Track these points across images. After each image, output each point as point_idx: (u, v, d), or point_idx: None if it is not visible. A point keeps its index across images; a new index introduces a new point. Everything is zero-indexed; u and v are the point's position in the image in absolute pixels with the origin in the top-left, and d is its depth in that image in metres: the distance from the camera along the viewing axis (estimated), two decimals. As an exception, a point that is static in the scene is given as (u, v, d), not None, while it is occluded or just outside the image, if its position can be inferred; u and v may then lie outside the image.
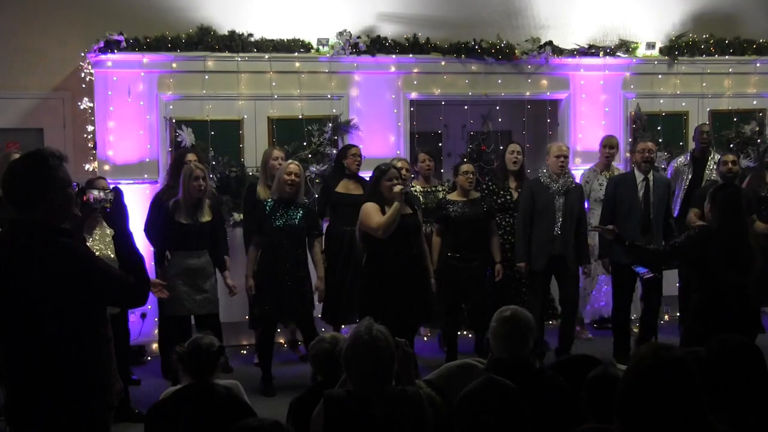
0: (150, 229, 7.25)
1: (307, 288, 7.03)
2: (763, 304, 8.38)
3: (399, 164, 7.40)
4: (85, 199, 3.62)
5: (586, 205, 8.21)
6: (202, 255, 6.95)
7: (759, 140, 9.50)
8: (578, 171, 8.64)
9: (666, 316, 8.89)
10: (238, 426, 2.99)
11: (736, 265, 5.76)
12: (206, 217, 6.95)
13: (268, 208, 6.94)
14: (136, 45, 8.11)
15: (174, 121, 8.27)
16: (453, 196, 7.60)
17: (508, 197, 7.91)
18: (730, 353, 3.61)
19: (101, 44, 8.01)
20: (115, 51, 8.03)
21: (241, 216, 8.04)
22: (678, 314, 8.57)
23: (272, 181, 7.34)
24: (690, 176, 8.52)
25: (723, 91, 9.61)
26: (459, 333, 7.80)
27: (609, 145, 8.51)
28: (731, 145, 9.28)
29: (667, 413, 2.59)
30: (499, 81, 9.00)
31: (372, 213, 6.62)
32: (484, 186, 7.99)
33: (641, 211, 7.46)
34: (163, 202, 7.11)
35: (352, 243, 7.39)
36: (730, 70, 9.58)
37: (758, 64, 9.64)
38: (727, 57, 9.56)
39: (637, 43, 9.36)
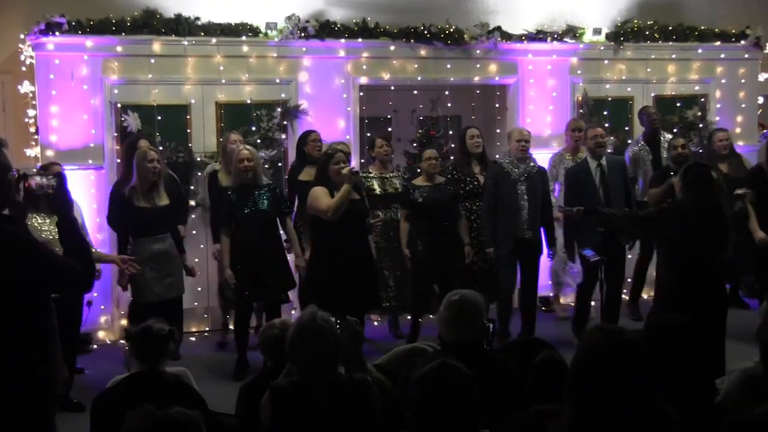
0: (113, 220, 7.21)
1: (288, 268, 7.09)
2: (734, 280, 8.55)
3: (340, 148, 7.43)
4: (27, 185, 3.55)
5: (556, 188, 8.29)
6: (165, 239, 6.95)
7: (701, 125, 9.66)
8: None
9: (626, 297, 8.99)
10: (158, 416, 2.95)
11: (712, 242, 5.82)
12: (164, 201, 6.93)
13: (233, 197, 6.91)
14: (78, 27, 7.95)
15: (119, 105, 8.14)
16: (418, 181, 7.64)
17: (476, 183, 7.94)
18: (668, 332, 3.67)
19: (42, 26, 7.83)
20: (57, 33, 7.86)
21: (191, 202, 8.04)
22: (628, 297, 8.69)
23: (228, 165, 7.35)
24: (650, 159, 8.61)
25: (667, 76, 9.75)
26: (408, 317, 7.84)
27: (577, 128, 8.53)
28: (675, 130, 9.41)
29: (618, 395, 2.62)
30: (449, 66, 9.01)
31: (321, 196, 6.62)
32: (450, 175, 8.01)
33: (601, 197, 7.51)
34: (121, 190, 7.04)
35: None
36: (674, 56, 9.72)
37: (700, 51, 9.79)
38: (670, 43, 9.69)
39: (583, 28, 9.43)
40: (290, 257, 7.30)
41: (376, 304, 7.26)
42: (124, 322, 7.79)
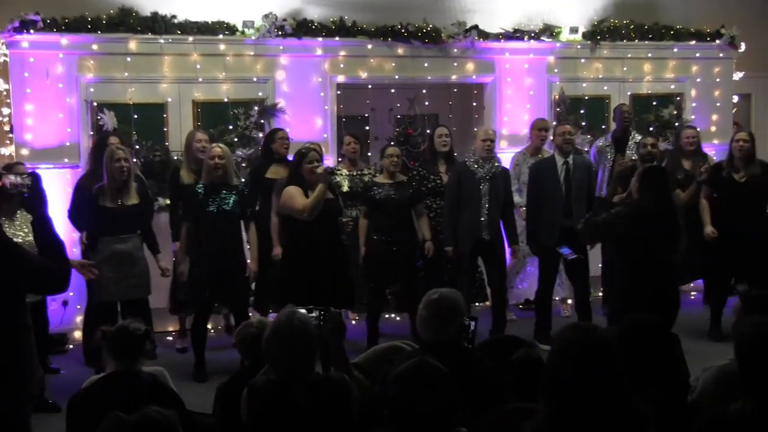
0: (73, 214, 7.13)
1: (245, 271, 7.02)
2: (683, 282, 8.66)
3: (313, 147, 7.42)
4: (1, 184, 3.52)
5: (517, 188, 8.32)
6: (130, 239, 6.83)
7: (677, 123, 9.71)
8: (503, 155, 8.70)
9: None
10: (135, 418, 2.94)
11: (666, 244, 5.88)
12: (133, 200, 6.84)
13: (200, 193, 6.86)
14: (53, 25, 7.88)
15: (95, 104, 8.08)
16: (380, 179, 7.63)
17: (438, 181, 7.96)
18: (640, 331, 3.71)
19: (16, 24, 7.76)
20: (32, 31, 7.80)
21: (167, 201, 7.94)
22: (600, 294, 8.75)
23: (196, 165, 7.29)
24: (612, 156, 8.66)
25: (643, 75, 9.80)
26: (387, 316, 7.84)
27: (544, 128, 8.56)
28: (651, 128, 9.47)
29: (593, 392, 2.64)
30: (426, 64, 9.02)
31: (295, 195, 6.58)
32: (415, 172, 8.01)
33: (563, 195, 7.57)
34: (86, 186, 6.97)
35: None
36: (650, 55, 9.77)
37: (676, 50, 9.85)
38: (646, 42, 9.75)
39: (560, 27, 9.47)
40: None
41: (350, 303, 7.25)
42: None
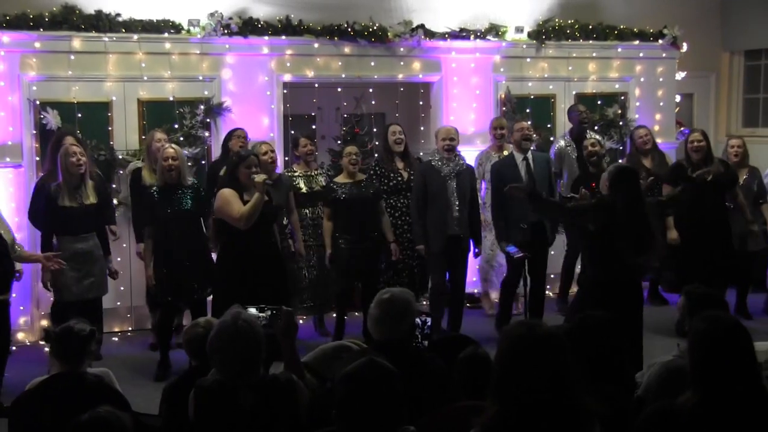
0: (34, 216, 7.14)
1: (206, 269, 6.93)
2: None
3: (263, 148, 7.40)
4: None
5: (482, 186, 8.37)
6: (89, 238, 6.86)
7: (621, 122, 9.85)
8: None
9: (549, 293, 9.11)
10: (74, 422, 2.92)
11: (633, 242, 5.94)
12: (91, 199, 6.82)
13: (156, 195, 6.80)
14: (-5, 23, 7.77)
15: (38, 102, 7.96)
16: (340, 179, 7.62)
17: (399, 178, 8.00)
18: (593, 328, 3.76)
19: (-45, 21, 7.64)
20: (-28, 29, 7.67)
21: (115, 200, 7.91)
22: (557, 292, 8.84)
23: (153, 164, 7.27)
24: (575, 156, 8.74)
25: (588, 74, 9.91)
26: (334, 315, 7.83)
27: (498, 126, 8.65)
28: (596, 128, 9.59)
29: (540, 389, 2.67)
30: (372, 63, 9.03)
31: (232, 201, 6.42)
32: (372, 172, 8.01)
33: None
34: (46, 186, 6.94)
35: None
36: (594, 54, 9.89)
37: (620, 49, 9.97)
38: (591, 42, 9.85)
39: (506, 27, 9.54)
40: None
41: (289, 304, 7.22)
42: (44, 322, 7.66)
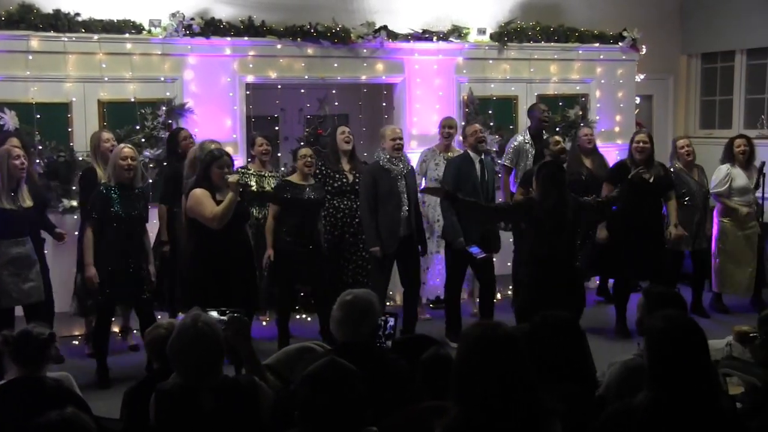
0: None
1: (147, 273, 6.89)
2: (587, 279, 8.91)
3: (212, 147, 7.33)
4: None
5: (422, 184, 8.38)
6: (26, 242, 6.67)
7: (582, 123, 9.93)
8: (413, 154, 8.76)
9: (498, 295, 9.18)
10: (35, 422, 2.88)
11: (560, 240, 5.99)
12: (28, 202, 6.68)
13: (113, 195, 6.70)
14: (-50, 22, 7.66)
15: (-5, 103, 7.87)
16: (294, 179, 7.57)
17: (344, 180, 7.97)
18: (552, 328, 3.79)
19: None
20: (-73, 28, 7.56)
21: (72, 203, 7.81)
22: (510, 293, 8.89)
23: (106, 165, 7.15)
24: (533, 153, 8.79)
25: (549, 76, 9.98)
26: (297, 317, 7.82)
27: (449, 125, 8.66)
28: (557, 129, 9.66)
29: (500, 389, 2.68)
30: (335, 65, 9.02)
31: (204, 201, 6.41)
32: (317, 171, 7.98)
33: (483, 190, 7.65)
34: None
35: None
36: (555, 56, 9.96)
37: (580, 51, 10.07)
38: (552, 44, 9.93)
39: (468, 29, 9.58)
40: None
41: (257, 304, 7.22)
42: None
